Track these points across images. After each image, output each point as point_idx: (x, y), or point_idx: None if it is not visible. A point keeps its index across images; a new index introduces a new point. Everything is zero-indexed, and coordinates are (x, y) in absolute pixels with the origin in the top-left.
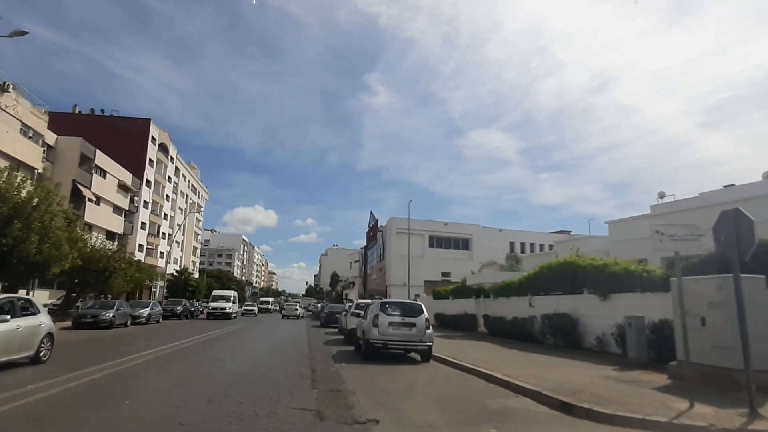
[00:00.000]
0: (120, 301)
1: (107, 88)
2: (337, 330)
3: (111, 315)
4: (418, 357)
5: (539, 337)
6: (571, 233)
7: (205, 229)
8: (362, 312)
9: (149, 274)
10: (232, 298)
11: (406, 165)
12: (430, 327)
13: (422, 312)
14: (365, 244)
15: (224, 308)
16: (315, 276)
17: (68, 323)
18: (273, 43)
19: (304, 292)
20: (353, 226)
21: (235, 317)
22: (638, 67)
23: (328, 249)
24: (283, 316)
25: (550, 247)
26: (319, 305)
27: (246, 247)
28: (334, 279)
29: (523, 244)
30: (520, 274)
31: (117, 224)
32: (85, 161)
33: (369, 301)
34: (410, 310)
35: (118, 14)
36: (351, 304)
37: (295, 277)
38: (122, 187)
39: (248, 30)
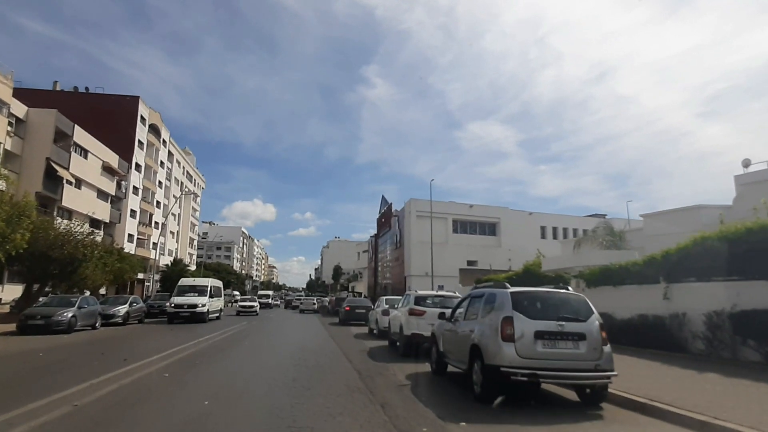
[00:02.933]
0: (85, 297)
1: (103, 83)
2: (367, 331)
3: (70, 315)
4: (567, 393)
5: (697, 346)
6: (606, 217)
7: (203, 222)
8: (444, 310)
9: (133, 264)
10: (209, 290)
11: (405, 158)
12: (608, 341)
13: (591, 311)
14: (375, 232)
15: (195, 305)
16: (316, 269)
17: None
18: (270, 37)
19: (304, 286)
20: (353, 219)
21: (217, 318)
22: (637, 58)
23: (330, 241)
24: (301, 311)
25: (584, 231)
26: (326, 299)
27: (246, 240)
28: (337, 272)
29: (555, 229)
30: (629, 253)
31: (102, 211)
32: (62, 138)
33: (449, 293)
34: (569, 309)
35: (113, 8)
36: (401, 297)
37: (295, 271)
38: (107, 170)
39: (245, 24)
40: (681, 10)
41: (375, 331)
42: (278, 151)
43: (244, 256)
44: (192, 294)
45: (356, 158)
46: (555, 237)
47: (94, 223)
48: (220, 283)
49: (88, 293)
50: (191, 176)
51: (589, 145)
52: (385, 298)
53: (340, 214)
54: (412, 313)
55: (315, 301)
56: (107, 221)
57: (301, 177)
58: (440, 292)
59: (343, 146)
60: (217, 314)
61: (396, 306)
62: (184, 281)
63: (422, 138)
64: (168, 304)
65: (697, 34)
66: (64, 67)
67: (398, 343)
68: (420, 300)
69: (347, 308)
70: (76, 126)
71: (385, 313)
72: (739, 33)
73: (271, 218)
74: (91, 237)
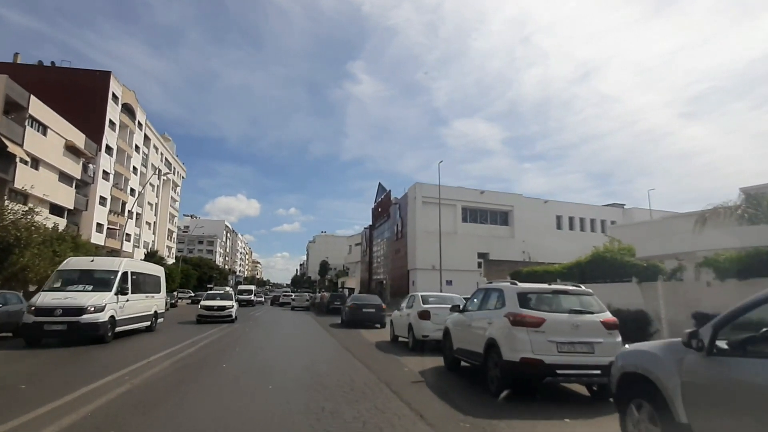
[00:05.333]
0: (1, 293)
1: None
2: (390, 339)
3: None
4: None
5: None
6: (624, 206)
7: (184, 215)
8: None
9: (90, 253)
10: (118, 280)
11: (391, 154)
12: None
13: None
14: (365, 226)
15: (80, 310)
16: (301, 265)
17: None
18: (256, 31)
19: (289, 282)
20: (337, 215)
21: (148, 328)
22: (621, 58)
23: (317, 236)
24: (292, 308)
25: (602, 222)
26: (317, 295)
27: (229, 234)
28: (324, 267)
29: (571, 219)
30: None
31: (65, 196)
32: (15, 109)
33: (574, 287)
34: None
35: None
36: (440, 294)
37: (279, 266)
38: (72, 150)
39: (230, 17)
40: (665, 10)
41: (405, 340)
42: (263, 146)
43: (228, 250)
44: (81, 287)
45: (342, 154)
46: (572, 228)
47: (56, 209)
48: (159, 270)
49: (34, 288)
50: (170, 164)
51: (574, 144)
52: (420, 294)
53: (325, 211)
54: (518, 322)
55: (308, 297)
56: (71, 208)
57: (286, 173)
58: (559, 287)
59: (328, 142)
60: (148, 323)
61: (464, 308)
62: (72, 262)
63: (408, 135)
64: (29, 306)
65: (680, 35)
66: (44, 59)
67: (465, 363)
68: (526, 299)
69: (352, 306)
70: (32, 96)
71: (424, 316)
72: (722, 34)
73: (255, 214)
74: (30, 218)
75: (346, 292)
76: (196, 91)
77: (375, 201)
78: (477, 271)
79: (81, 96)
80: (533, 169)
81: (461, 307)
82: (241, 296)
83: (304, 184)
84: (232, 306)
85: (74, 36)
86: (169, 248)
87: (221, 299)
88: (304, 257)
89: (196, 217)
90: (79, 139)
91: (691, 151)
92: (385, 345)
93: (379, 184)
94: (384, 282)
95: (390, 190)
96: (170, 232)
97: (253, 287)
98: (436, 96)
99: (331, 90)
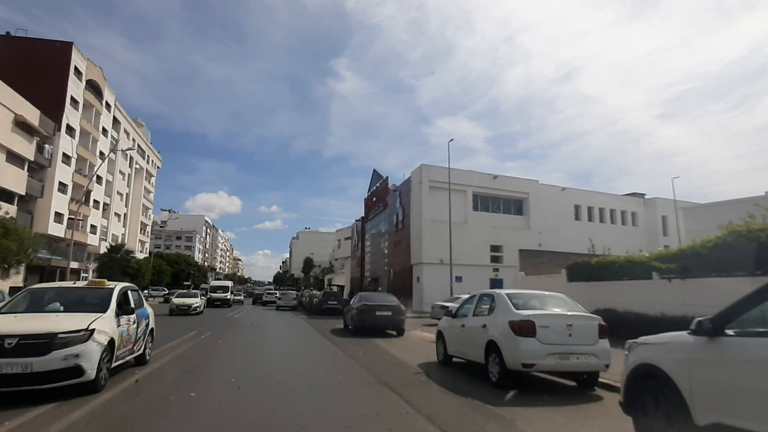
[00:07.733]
0: None
1: None
2: (439, 360)
3: None
4: None
5: None
6: (645, 196)
7: (162, 210)
8: None
9: (24, 241)
10: None
11: (375, 152)
12: None
13: None
14: (363, 214)
15: None
16: (284, 262)
17: None
18: (238, 26)
19: (271, 279)
20: (320, 213)
21: None
22: (602, 59)
23: (300, 232)
24: (278, 307)
25: (623, 213)
26: (305, 293)
27: (209, 230)
28: (308, 264)
29: (590, 209)
30: None
31: (15, 179)
32: None
33: None
34: None
35: None
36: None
37: (261, 264)
38: (23, 126)
39: (211, 10)
40: (645, 12)
41: (460, 361)
42: (245, 142)
43: (208, 247)
44: None
45: (325, 151)
46: (590, 219)
47: (4, 194)
48: None
49: None
50: (144, 152)
51: (555, 143)
52: (505, 293)
53: (308, 208)
54: None
55: (295, 296)
56: (23, 193)
57: (268, 169)
58: None
59: (311, 139)
60: None
61: (737, 325)
62: None
63: (392, 132)
64: None
65: (659, 36)
66: None
67: None
68: None
69: (362, 308)
70: None
71: (526, 330)
72: (699, 36)
73: (237, 211)
74: None
75: (335, 289)
76: (177, 85)
77: (368, 190)
78: (490, 266)
79: (38, 69)
80: (516, 168)
81: (722, 320)
82: (214, 294)
83: (286, 181)
84: (86, 337)
85: (50, 27)
86: (142, 242)
87: (43, 314)
88: (287, 255)
89: (175, 212)
90: (31, 114)
91: (668, 152)
92: (438, 371)
93: (374, 171)
94: (379, 279)
95: (387, 177)
96: (143, 225)
97: (229, 283)
98: (420, 94)
99: (314, 87)
